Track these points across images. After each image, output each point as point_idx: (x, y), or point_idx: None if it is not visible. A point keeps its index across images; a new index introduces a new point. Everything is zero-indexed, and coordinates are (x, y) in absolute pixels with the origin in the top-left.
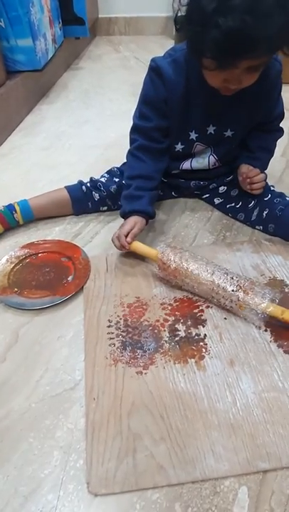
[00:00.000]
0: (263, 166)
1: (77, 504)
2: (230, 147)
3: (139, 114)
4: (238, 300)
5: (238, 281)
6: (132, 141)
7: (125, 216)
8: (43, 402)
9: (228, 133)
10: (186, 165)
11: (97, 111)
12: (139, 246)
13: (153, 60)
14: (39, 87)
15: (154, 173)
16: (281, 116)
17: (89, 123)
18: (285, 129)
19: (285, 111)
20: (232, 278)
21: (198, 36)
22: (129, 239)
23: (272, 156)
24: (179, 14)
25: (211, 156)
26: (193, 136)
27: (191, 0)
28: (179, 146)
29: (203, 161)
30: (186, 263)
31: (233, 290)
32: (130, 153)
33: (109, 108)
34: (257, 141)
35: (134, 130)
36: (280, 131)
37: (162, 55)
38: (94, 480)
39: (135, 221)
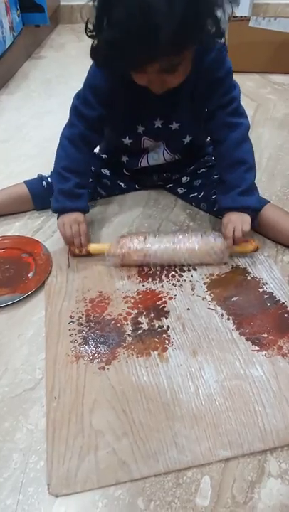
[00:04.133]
0: (238, 182)
1: (37, 507)
2: (181, 141)
3: (82, 99)
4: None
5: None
6: (71, 125)
7: (64, 212)
8: (2, 404)
9: (174, 125)
10: (143, 162)
11: (60, 101)
12: (94, 245)
13: None
14: None
15: (89, 168)
16: (233, 103)
17: (51, 114)
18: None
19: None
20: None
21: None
22: (85, 239)
23: (251, 164)
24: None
25: (164, 152)
26: (140, 129)
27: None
28: (126, 140)
29: (158, 157)
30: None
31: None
32: (68, 140)
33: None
34: (222, 164)
35: (76, 114)
36: (240, 126)
37: None
38: (54, 481)
39: (77, 220)
